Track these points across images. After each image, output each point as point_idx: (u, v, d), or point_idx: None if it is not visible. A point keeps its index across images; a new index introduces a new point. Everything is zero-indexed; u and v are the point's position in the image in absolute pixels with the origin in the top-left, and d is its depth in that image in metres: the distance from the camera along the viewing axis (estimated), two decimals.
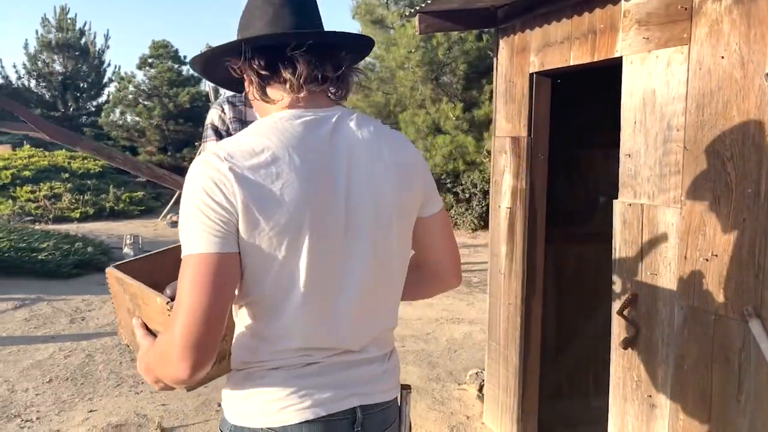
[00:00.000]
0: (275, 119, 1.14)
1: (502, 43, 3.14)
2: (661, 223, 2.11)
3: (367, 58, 6.70)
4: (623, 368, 2.30)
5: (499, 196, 3.19)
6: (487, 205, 10.65)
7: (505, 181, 3.14)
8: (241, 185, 1.05)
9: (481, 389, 3.67)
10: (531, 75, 2.91)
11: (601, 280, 3.53)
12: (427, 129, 10.66)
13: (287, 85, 1.14)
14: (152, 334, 1.31)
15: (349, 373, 1.16)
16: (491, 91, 10.77)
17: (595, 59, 2.45)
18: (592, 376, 3.60)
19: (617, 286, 2.33)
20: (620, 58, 2.30)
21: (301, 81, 1.13)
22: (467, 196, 10.66)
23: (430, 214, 1.28)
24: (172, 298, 1.23)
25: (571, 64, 2.60)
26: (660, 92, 2.11)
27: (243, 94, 2.33)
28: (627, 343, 2.23)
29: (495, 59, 3.23)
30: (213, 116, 2.30)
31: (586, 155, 3.53)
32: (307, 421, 1.11)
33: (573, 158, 3.52)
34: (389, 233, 1.17)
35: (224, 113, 2.25)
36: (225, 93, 2.44)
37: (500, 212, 3.19)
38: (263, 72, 1.14)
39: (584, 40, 2.50)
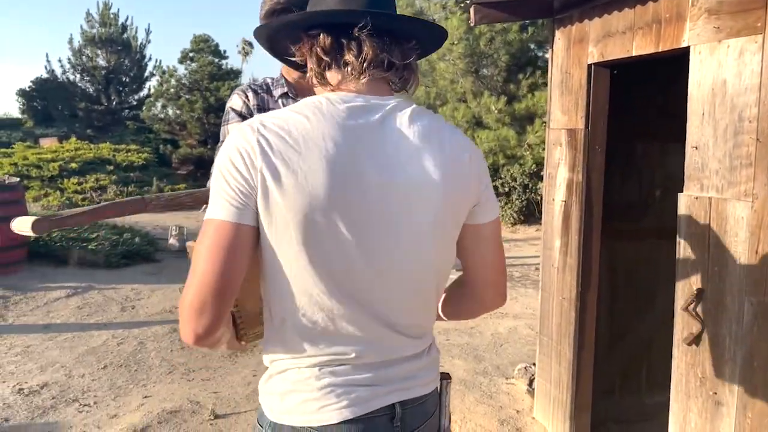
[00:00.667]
0: (320, 99, 1.08)
1: (558, 33, 3.10)
2: (731, 216, 2.06)
3: None
4: (687, 364, 2.26)
5: (553, 189, 3.16)
6: (527, 200, 10.61)
7: (560, 173, 3.10)
8: (264, 161, 1.01)
9: (531, 384, 3.65)
10: (589, 66, 2.87)
11: (655, 275, 3.48)
12: (467, 123, 10.60)
13: (348, 68, 1.09)
14: None
15: (387, 370, 1.12)
16: (531, 84, 10.70)
17: (660, 50, 2.40)
18: (645, 373, 3.55)
19: (681, 281, 2.29)
20: (687, 48, 2.25)
21: (364, 65, 1.08)
22: (507, 190, 10.57)
23: (481, 222, 1.19)
24: None
25: (633, 54, 2.55)
26: (731, 83, 2.05)
27: (263, 82, 2.31)
28: (691, 339, 2.19)
29: (550, 50, 3.19)
30: (236, 101, 2.27)
31: (642, 148, 3.47)
32: (346, 421, 1.08)
33: (627, 151, 3.46)
34: (430, 233, 1.11)
35: (248, 99, 2.23)
36: (249, 81, 2.39)
37: (554, 205, 3.15)
38: (325, 55, 1.10)
39: (648, 30, 2.45)
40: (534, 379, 3.62)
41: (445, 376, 1.26)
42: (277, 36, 1.20)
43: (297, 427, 1.09)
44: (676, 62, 2.48)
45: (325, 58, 1.10)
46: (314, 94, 1.19)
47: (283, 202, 1.01)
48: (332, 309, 1.07)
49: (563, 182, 3.08)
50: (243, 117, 2.24)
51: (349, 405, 1.08)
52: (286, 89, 2.21)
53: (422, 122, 1.12)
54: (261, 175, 1.01)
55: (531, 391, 3.59)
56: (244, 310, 1.28)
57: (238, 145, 1.03)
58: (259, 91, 2.22)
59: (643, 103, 3.32)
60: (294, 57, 1.18)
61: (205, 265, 1.02)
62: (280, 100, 2.22)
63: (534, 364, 3.93)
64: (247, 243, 1.04)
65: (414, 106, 1.15)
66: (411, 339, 1.15)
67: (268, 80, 2.29)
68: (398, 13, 1.21)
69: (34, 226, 1.23)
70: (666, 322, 3.53)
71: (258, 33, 1.21)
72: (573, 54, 2.99)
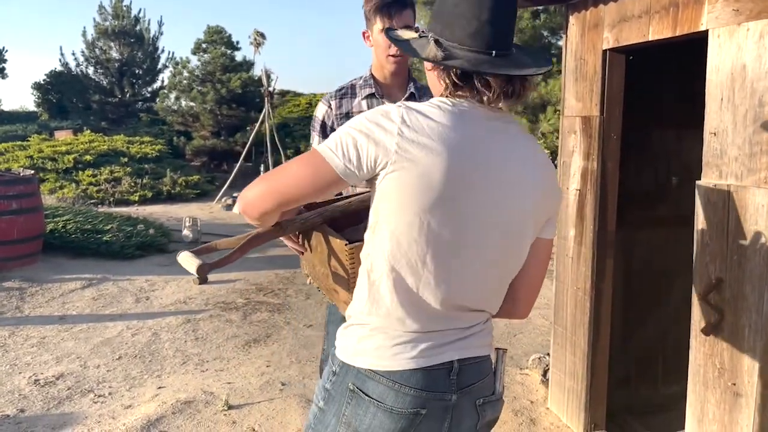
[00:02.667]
0: (460, 108, 1.25)
1: (572, 19, 3.05)
2: (750, 204, 2.01)
3: None
4: (704, 355, 2.22)
5: (567, 177, 3.11)
6: None
7: (575, 162, 3.06)
8: (404, 135, 1.19)
9: (545, 374, 3.62)
10: (604, 51, 2.82)
11: (671, 264, 3.42)
12: None
13: (481, 96, 1.26)
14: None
15: (451, 333, 1.29)
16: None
17: (677, 34, 2.34)
18: (661, 363, 3.51)
19: (699, 270, 2.24)
20: (705, 32, 2.19)
21: (494, 97, 1.25)
22: None
23: (543, 236, 1.36)
24: (351, 241, 1.44)
25: (650, 39, 2.50)
26: (751, 67, 2.00)
27: (349, 84, 2.35)
28: (709, 329, 2.15)
29: (564, 36, 3.14)
30: (320, 108, 2.33)
31: (657, 135, 3.40)
32: (409, 370, 1.24)
33: (643, 138, 3.40)
34: (515, 234, 1.28)
35: (331, 109, 2.28)
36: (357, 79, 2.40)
37: (568, 194, 3.11)
38: (457, 81, 1.26)
39: (665, 13, 2.40)
40: (548, 369, 3.59)
41: (502, 348, 1.42)
42: (410, 50, 1.35)
43: (363, 369, 1.26)
44: (693, 46, 2.42)
45: (459, 83, 1.26)
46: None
47: (414, 172, 1.18)
48: (423, 278, 1.23)
49: (578, 171, 3.03)
50: (324, 125, 2.31)
51: (414, 357, 1.24)
52: (373, 90, 2.24)
53: (528, 139, 1.33)
54: (397, 145, 1.18)
55: (545, 381, 3.56)
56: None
57: (387, 114, 1.22)
58: (344, 97, 2.27)
59: (659, 89, 3.26)
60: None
61: (290, 181, 1.27)
62: (365, 101, 2.25)
63: (548, 355, 3.90)
64: (331, 191, 1.32)
65: (517, 122, 1.35)
66: (475, 314, 1.31)
67: (356, 81, 2.32)
68: None
69: (199, 271, 1.38)
70: (683, 312, 3.48)
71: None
72: (587, 40, 2.93)
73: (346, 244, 1.44)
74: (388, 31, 1.42)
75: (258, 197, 1.29)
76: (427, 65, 1.34)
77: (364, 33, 2.29)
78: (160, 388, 3.71)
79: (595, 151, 2.90)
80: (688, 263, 2.32)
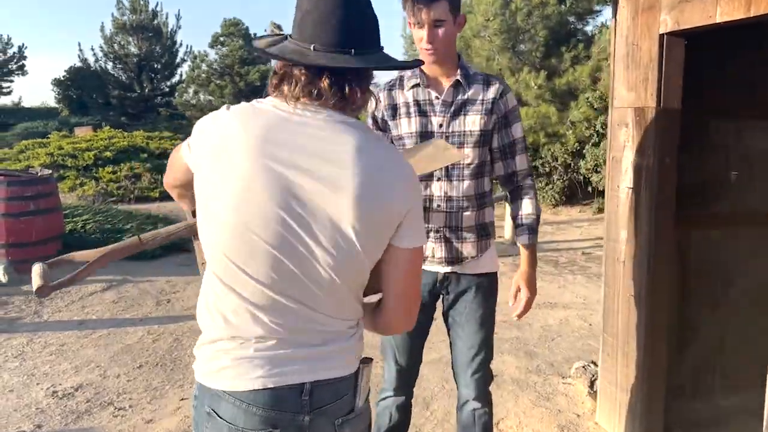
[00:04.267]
0: (256, 107, 1.24)
1: (622, 1, 2.78)
2: None
3: None
4: None
5: (618, 175, 2.86)
6: (569, 180, 10.22)
7: (626, 158, 2.80)
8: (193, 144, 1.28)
9: (591, 385, 3.37)
10: (661, 36, 2.55)
11: (730, 266, 3.16)
12: None
13: (290, 91, 1.20)
14: None
15: (302, 350, 1.24)
16: (573, 58, 10.24)
17: (752, 14, 2.08)
18: (719, 372, 3.24)
19: None
20: None
21: (296, 91, 1.20)
22: (548, 170, 10.20)
23: (396, 245, 1.26)
24: None
25: (717, 21, 2.23)
26: None
27: (398, 76, 2.24)
28: None
29: (612, 20, 2.87)
30: (370, 105, 2.27)
31: (715, 126, 3.12)
32: (255, 390, 1.21)
33: (699, 130, 3.12)
34: (328, 241, 1.19)
35: (380, 100, 2.22)
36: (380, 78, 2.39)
37: (619, 193, 2.86)
38: (276, 72, 1.23)
39: None
40: (595, 380, 3.35)
41: (366, 360, 1.34)
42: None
43: (216, 390, 1.24)
44: (758, 29, 2.16)
45: (277, 76, 1.23)
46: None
47: (211, 179, 1.21)
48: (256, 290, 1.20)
49: (630, 167, 2.77)
50: (374, 118, 2.27)
51: (261, 377, 1.20)
52: (418, 80, 2.17)
53: (348, 136, 1.20)
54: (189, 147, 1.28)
55: (592, 393, 3.32)
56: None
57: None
58: (392, 89, 2.23)
59: (715, 75, 2.98)
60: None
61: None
62: (410, 92, 2.19)
63: (593, 363, 3.66)
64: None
65: (346, 122, 1.22)
66: (330, 320, 1.25)
67: (407, 71, 2.24)
68: None
69: (38, 291, 1.41)
70: (742, 317, 3.22)
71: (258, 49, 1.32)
72: (641, 23, 2.66)
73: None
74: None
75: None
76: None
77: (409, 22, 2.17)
78: (182, 399, 3.53)
79: (651, 146, 2.64)
80: (747, 264, 2.06)
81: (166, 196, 11.75)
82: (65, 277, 1.40)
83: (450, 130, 2.13)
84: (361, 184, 1.17)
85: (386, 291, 1.33)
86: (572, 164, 9.90)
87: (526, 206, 2.25)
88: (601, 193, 9.22)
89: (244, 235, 1.17)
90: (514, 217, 2.28)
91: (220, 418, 1.23)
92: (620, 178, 2.84)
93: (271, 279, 1.19)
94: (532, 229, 2.24)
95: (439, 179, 2.16)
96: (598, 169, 9.04)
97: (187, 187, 1.36)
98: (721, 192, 3.17)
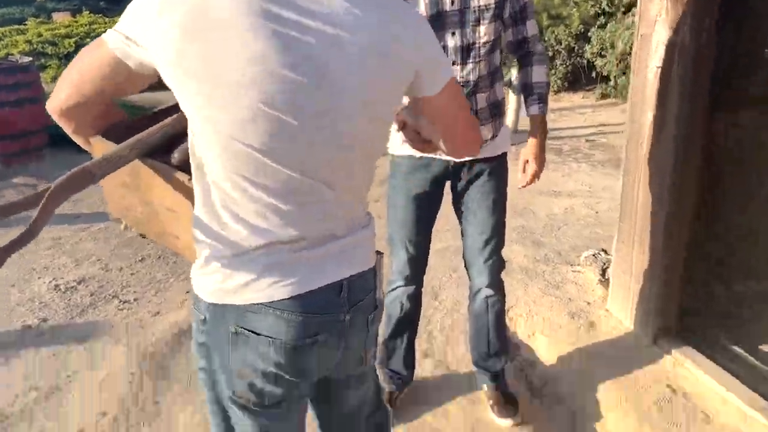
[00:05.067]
0: None
1: None
2: None
3: None
4: None
5: (647, 53, 2.64)
6: (573, 64, 9.85)
7: (658, 33, 2.57)
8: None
9: (603, 273, 3.33)
10: None
11: (763, 153, 3.01)
12: None
13: None
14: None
15: (327, 247, 1.14)
16: None
17: None
18: (744, 261, 3.17)
19: None
20: None
21: None
22: (551, 54, 9.78)
23: (427, 96, 1.16)
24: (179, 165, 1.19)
25: None
26: None
27: None
28: None
29: None
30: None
31: None
32: (295, 296, 1.11)
33: (736, 3, 2.87)
34: (351, 116, 1.05)
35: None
36: None
37: (647, 72, 2.65)
38: None
39: None
40: (607, 268, 3.30)
41: (378, 252, 1.29)
42: None
43: (240, 306, 1.10)
44: None
45: None
46: None
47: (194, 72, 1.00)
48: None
49: (661, 44, 2.56)
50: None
51: (299, 281, 1.10)
52: None
53: None
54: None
55: (603, 281, 3.28)
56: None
57: None
58: None
59: None
60: None
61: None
62: None
63: (603, 251, 3.61)
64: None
65: None
66: (350, 204, 1.16)
67: None
68: None
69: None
70: None
71: None
72: None
73: (189, 179, 1.14)
74: None
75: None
76: None
77: None
78: (188, 292, 3.48)
79: (687, 20, 2.42)
80: None
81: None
82: (8, 242, 1.06)
83: (464, 6, 1.95)
84: (371, 41, 1.02)
85: (445, 137, 1.25)
86: (576, 48, 9.51)
87: (538, 74, 2.14)
88: (605, 78, 8.91)
89: (267, 114, 0.98)
90: (524, 84, 2.17)
91: (255, 333, 1.10)
92: (649, 57, 2.63)
93: (299, 160, 1.03)
94: (543, 98, 2.14)
95: (454, 63, 2.00)
96: (603, 53, 8.68)
97: (97, 103, 1.17)
98: (757, 70, 2.96)
